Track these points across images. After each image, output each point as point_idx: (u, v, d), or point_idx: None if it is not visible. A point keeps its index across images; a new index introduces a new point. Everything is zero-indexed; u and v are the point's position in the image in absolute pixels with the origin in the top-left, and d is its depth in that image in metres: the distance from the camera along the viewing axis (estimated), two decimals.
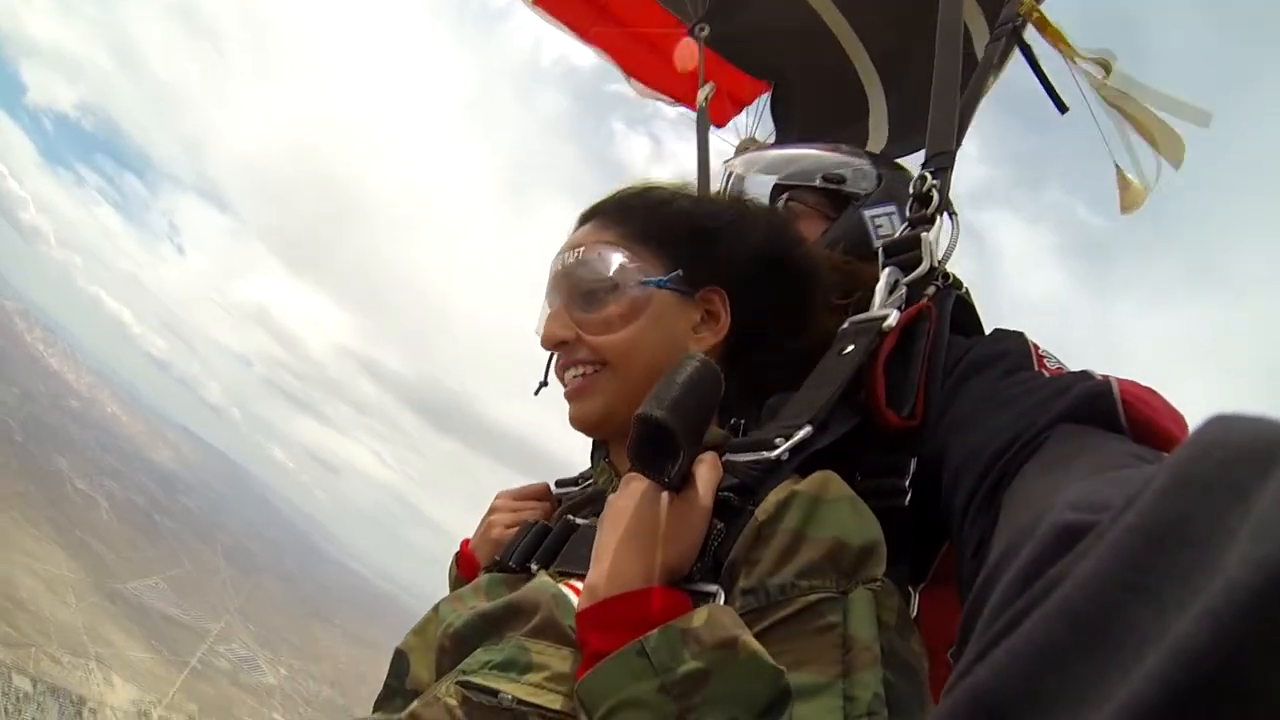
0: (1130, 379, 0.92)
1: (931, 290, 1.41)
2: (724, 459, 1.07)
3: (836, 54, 2.89)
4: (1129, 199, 2.24)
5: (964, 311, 1.41)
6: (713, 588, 0.94)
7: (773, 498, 0.96)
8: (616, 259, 1.26)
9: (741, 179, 2.04)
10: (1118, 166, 2.26)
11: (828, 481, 0.98)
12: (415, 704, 0.97)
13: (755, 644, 0.83)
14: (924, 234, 1.46)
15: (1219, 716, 0.30)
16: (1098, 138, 2.22)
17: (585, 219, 1.36)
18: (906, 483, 1.14)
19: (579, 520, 1.21)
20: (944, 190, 1.55)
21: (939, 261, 1.45)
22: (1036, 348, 1.19)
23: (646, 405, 0.91)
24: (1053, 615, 0.40)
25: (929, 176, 1.56)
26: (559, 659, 0.94)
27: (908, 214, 1.57)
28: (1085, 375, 0.96)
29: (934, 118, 1.66)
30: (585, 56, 3.61)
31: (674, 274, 1.26)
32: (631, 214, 1.32)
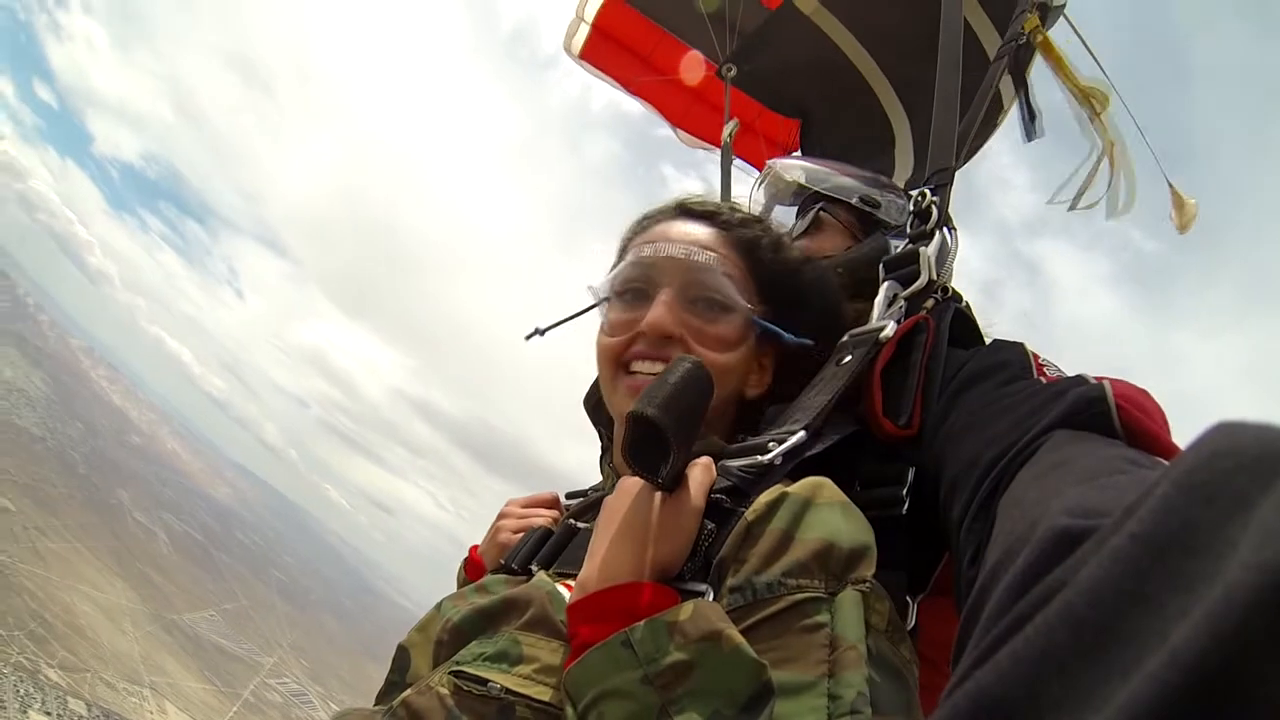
0: (1123, 379, 0.93)
1: (930, 303, 1.43)
2: (718, 463, 1.08)
3: (861, 87, 2.91)
4: (1184, 217, 2.31)
5: (963, 324, 1.41)
6: (702, 586, 0.95)
7: (763, 499, 0.97)
8: (736, 285, 1.28)
9: (772, 169, 2.07)
10: (1171, 186, 2.33)
11: (820, 486, 0.99)
12: (409, 692, 0.98)
13: (739, 638, 0.83)
14: (922, 249, 1.49)
15: (1219, 718, 0.29)
16: (1147, 160, 2.27)
17: (699, 218, 1.36)
18: (904, 492, 1.15)
19: (580, 524, 1.23)
20: (943, 206, 1.58)
21: (937, 275, 1.47)
22: (1036, 357, 1.19)
23: (639, 404, 0.93)
24: (1055, 620, 0.40)
25: (929, 193, 1.60)
26: (549, 652, 0.95)
27: (908, 230, 1.61)
28: (1080, 380, 0.96)
29: (934, 135, 1.72)
30: (634, 102, 3.68)
31: (777, 327, 1.29)
32: (753, 250, 1.34)
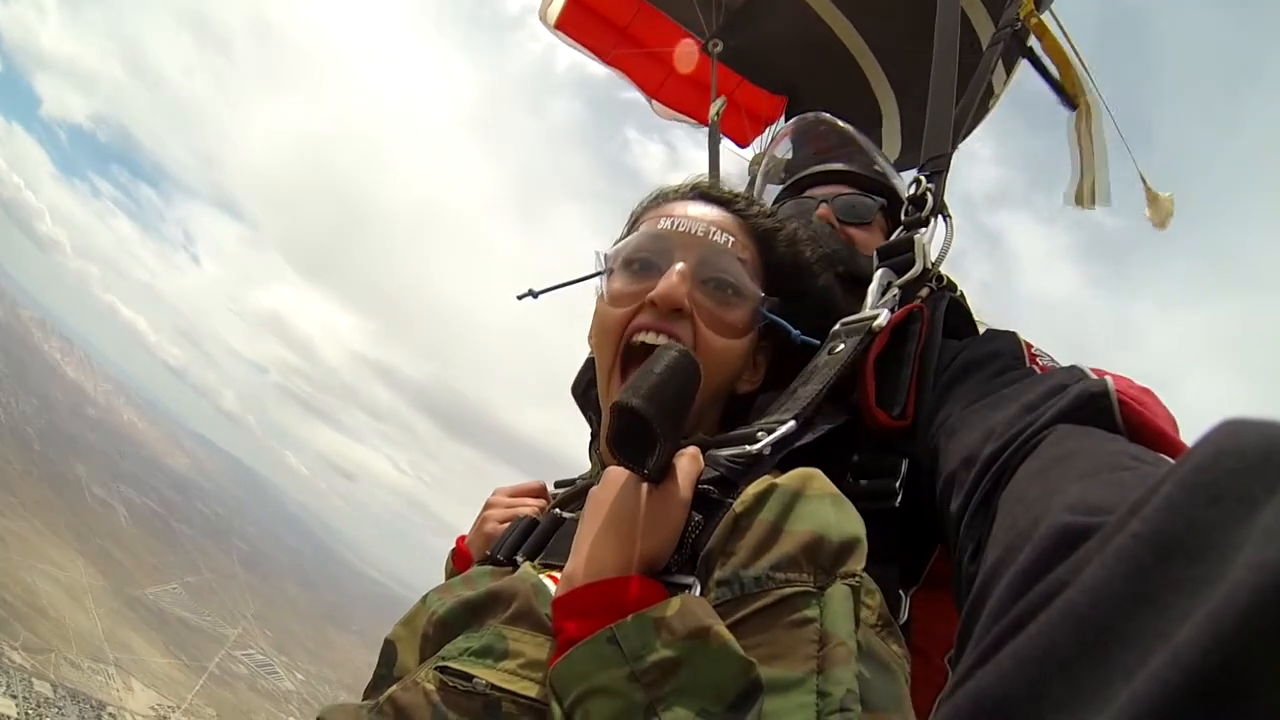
0: (1126, 376, 0.91)
1: (925, 292, 1.40)
2: (706, 453, 1.06)
3: (849, 65, 2.92)
4: (1158, 211, 2.28)
5: (959, 313, 1.39)
6: (689, 579, 0.93)
7: (751, 490, 0.95)
8: (748, 272, 1.26)
9: (866, 152, 1.95)
10: (1144, 181, 2.30)
11: (810, 478, 0.96)
12: (394, 688, 0.97)
13: (727, 634, 0.82)
14: (916, 236, 1.47)
15: (1219, 718, 0.29)
16: (1110, 138, 2.24)
17: (717, 202, 1.33)
18: (898, 484, 1.13)
19: (566, 514, 1.20)
20: (939, 193, 1.55)
21: (932, 263, 1.44)
22: (1029, 346, 1.18)
23: (623, 394, 0.91)
24: (1057, 620, 0.40)
25: (924, 180, 1.57)
26: (534, 646, 0.93)
27: (902, 217, 1.58)
28: (1081, 374, 0.95)
29: (930, 121, 1.68)
30: (597, 66, 3.65)
31: (784, 320, 1.27)
32: (768, 241, 1.31)
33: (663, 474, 0.99)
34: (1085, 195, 2.28)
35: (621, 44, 3.43)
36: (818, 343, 1.28)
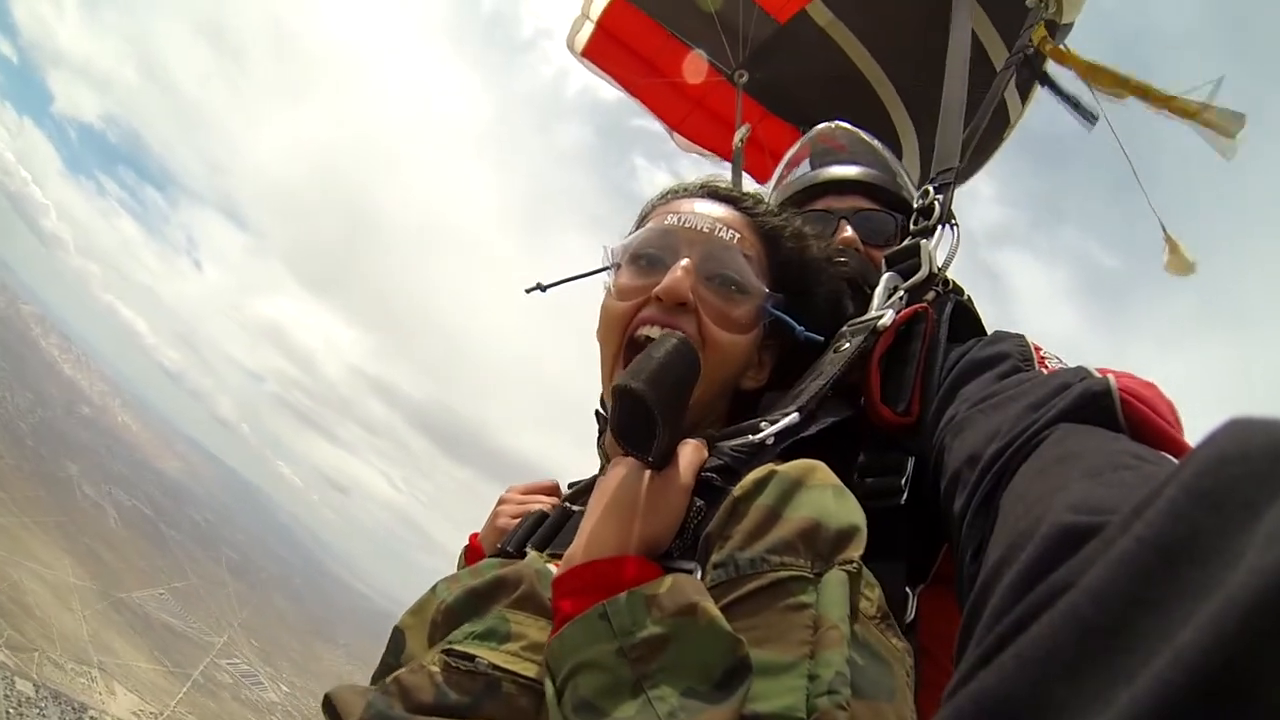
0: (1128, 373, 0.91)
1: (931, 296, 1.44)
2: (711, 444, 1.09)
3: (870, 98, 2.97)
4: (1175, 263, 2.26)
5: (965, 317, 1.41)
6: (691, 565, 0.94)
7: (751, 476, 0.96)
8: (754, 269, 1.28)
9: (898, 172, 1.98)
10: (1165, 231, 2.28)
11: (813, 469, 0.97)
12: (401, 670, 0.98)
13: (715, 611, 0.82)
14: (923, 242, 1.51)
15: (1221, 718, 0.30)
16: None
17: (725, 200, 1.35)
18: (903, 481, 1.14)
19: (575, 508, 1.22)
20: (946, 203, 1.62)
21: (939, 268, 1.48)
22: (1038, 348, 1.18)
23: (623, 378, 0.93)
24: (1060, 622, 0.40)
25: (932, 190, 1.64)
26: (536, 629, 0.95)
27: (911, 226, 1.64)
28: (1085, 373, 0.95)
29: (940, 137, 1.77)
30: (609, 89, 3.65)
31: (790, 319, 1.28)
32: (775, 240, 1.33)
33: (665, 460, 1.01)
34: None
35: (648, 75, 3.47)
36: (822, 340, 1.30)
